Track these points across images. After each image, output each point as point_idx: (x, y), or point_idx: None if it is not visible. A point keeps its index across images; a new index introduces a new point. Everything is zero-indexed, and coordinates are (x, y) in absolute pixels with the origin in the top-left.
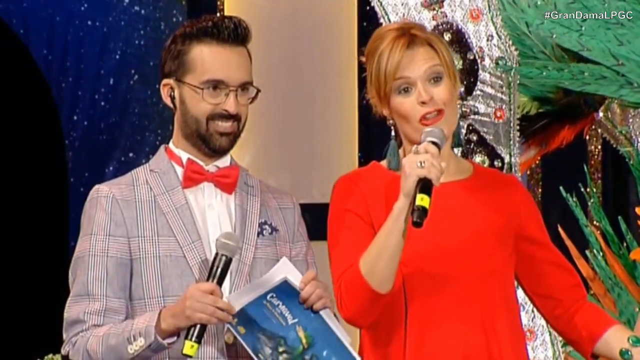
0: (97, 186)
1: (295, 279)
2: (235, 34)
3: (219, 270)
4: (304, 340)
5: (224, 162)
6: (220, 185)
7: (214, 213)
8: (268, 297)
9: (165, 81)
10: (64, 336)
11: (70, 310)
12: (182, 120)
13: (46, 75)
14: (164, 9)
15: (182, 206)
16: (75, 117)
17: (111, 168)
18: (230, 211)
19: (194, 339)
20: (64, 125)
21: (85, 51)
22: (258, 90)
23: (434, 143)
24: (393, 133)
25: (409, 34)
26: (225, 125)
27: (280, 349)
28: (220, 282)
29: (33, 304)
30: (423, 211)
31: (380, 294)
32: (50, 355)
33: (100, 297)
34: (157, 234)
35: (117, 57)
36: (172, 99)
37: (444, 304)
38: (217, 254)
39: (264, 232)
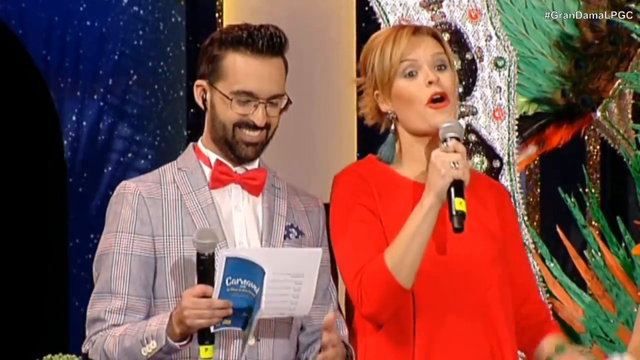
0: (124, 182)
1: (235, 252)
2: (270, 45)
3: (204, 270)
4: None
5: (253, 164)
6: (247, 187)
7: (240, 215)
8: (227, 283)
9: (198, 82)
10: (86, 333)
11: (93, 308)
12: (211, 124)
13: (44, 76)
14: (163, 9)
15: (208, 206)
16: (73, 118)
17: (110, 168)
18: (257, 213)
19: (205, 342)
20: (62, 125)
21: (83, 52)
22: (289, 102)
23: (457, 139)
24: (393, 127)
25: (411, 25)
26: (252, 135)
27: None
28: (210, 281)
29: (33, 304)
30: (462, 216)
31: (404, 289)
32: (49, 356)
33: (122, 295)
34: (182, 234)
35: (116, 57)
36: (204, 100)
37: (450, 308)
38: (197, 256)
39: (290, 235)
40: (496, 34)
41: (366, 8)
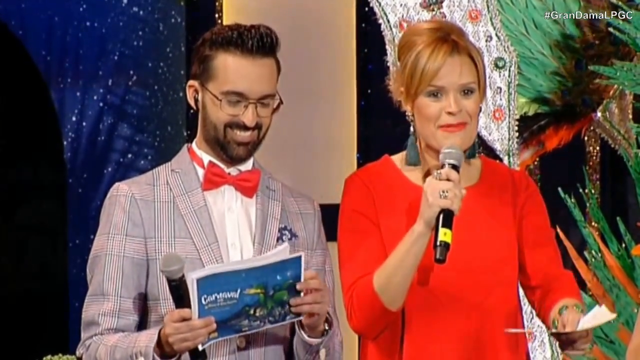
0: (117, 184)
1: (203, 271)
2: (260, 45)
3: (179, 294)
4: (258, 291)
5: (246, 165)
6: (240, 188)
7: (233, 216)
8: (204, 302)
9: (190, 82)
10: (82, 336)
11: (87, 311)
12: (203, 125)
13: (45, 77)
14: (163, 10)
15: (201, 208)
16: (73, 119)
17: (109, 169)
18: (250, 215)
19: (198, 359)
20: (62, 126)
21: (83, 52)
22: (280, 102)
23: (454, 167)
24: (412, 128)
25: (452, 40)
26: (244, 135)
27: (251, 312)
28: (187, 304)
29: (33, 305)
30: (446, 247)
31: (391, 310)
32: (49, 357)
33: (115, 297)
34: (173, 236)
35: (116, 58)
36: (196, 101)
37: (441, 320)
38: (168, 283)
39: (284, 237)
40: (496, 34)
41: (366, 8)
